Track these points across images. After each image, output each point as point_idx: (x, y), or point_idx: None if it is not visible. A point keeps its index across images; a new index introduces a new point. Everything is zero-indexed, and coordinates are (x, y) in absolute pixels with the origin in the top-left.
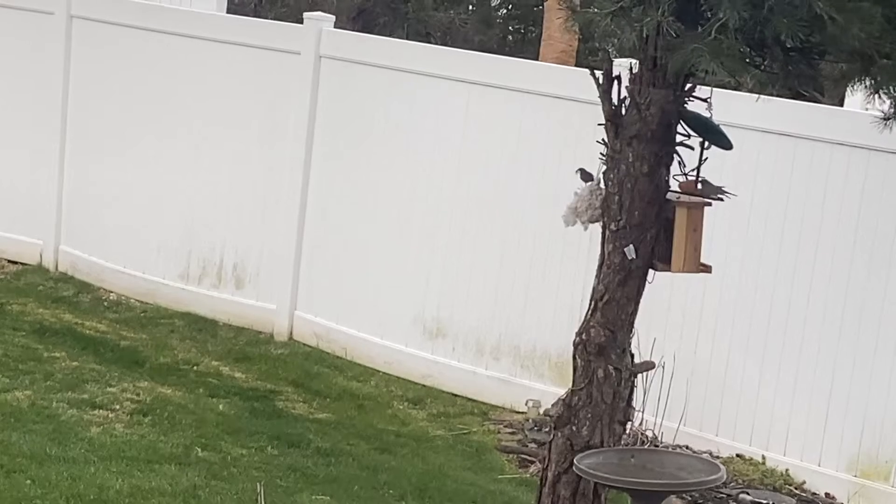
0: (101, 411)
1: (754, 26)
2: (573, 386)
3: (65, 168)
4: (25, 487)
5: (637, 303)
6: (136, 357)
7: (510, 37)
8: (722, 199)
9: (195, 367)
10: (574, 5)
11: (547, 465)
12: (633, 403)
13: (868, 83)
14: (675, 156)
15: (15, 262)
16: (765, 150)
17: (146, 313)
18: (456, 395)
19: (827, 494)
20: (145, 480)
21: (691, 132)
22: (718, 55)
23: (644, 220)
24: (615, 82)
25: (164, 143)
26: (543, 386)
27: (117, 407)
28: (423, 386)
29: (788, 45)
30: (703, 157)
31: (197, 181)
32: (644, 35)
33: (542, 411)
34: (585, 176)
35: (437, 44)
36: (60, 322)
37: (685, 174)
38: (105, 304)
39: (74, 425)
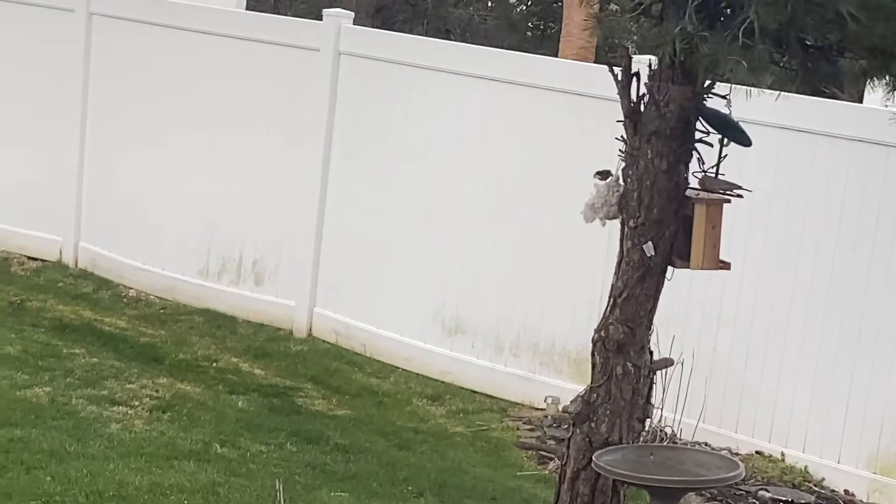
0: (120, 408)
1: (778, 25)
2: (592, 383)
3: (84, 165)
4: (45, 484)
5: (656, 300)
6: (155, 353)
7: (529, 33)
8: (741, 196)
9: (214, 364)
10: (597, 14)
11: (566, 462)
12: (652, 400)
13: (888, 80)
14: (694, 153)
15: (35, 259)
16: (784, 147)
17: (165, 310)
18: (475, 392)
19: (846, 491)
20: (164, 477)
21: (710, 129)
22: (742, 55)
23: (663, 217)
24: (634, 79)
25: (184, 138)
26: (562, 382)
27: (137, 403)
28: (442, 382)
29: (808, 43)
30: (723, 154)
31: (216, 177)
32: (674, 47)
33: (561, 408)
34: (604, 176)
35: (456, 40)
36: (80, 318)
37: (704, 171)
38: (125, 300)
39: (94, 422)
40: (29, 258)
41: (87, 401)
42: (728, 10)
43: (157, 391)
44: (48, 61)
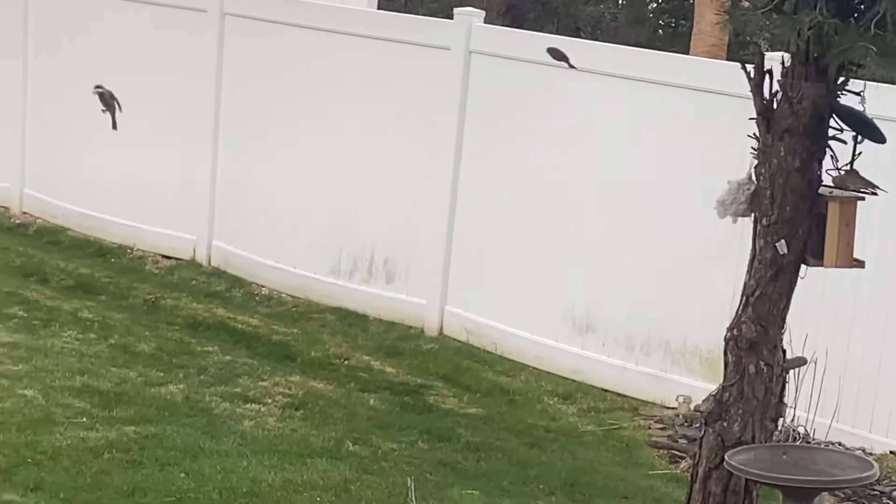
0: (253, 405)
1: None
2: (724, 382)
3: (217, 164)
4: (179, 480)
5: (789, 298)
6: (287, 351)
7: (661, 31)
8: (875, 194)
9: (346, 362)
10: (729, 7)
11: (698, 461)
12: (785, 400)
13: None
14: (827, 150)
15: (169, 258)
16: None
17: (297, 308)
18: (606, 391)
19: None
20: (297, 474)
21: (844, 126)
22: (873, 42)
23: (796, 215)
24: (767, 76)
25: (315, 138)
26: (694, 381)
27: (269, 401)
28: (573, 381)
29: None
30: (857, 152)
31: (347, 176)
32: (806, 37)
33: (692, 407)
34: (557, 54)
35: (586, 39)
36: (213, 316)
37: (838, 168)
38: (257, 298)
39: (227, 419)
40: (163, 256)
41: (220, 398)
42: (861, 6)
43: (289, 389)
44: (182, 62)
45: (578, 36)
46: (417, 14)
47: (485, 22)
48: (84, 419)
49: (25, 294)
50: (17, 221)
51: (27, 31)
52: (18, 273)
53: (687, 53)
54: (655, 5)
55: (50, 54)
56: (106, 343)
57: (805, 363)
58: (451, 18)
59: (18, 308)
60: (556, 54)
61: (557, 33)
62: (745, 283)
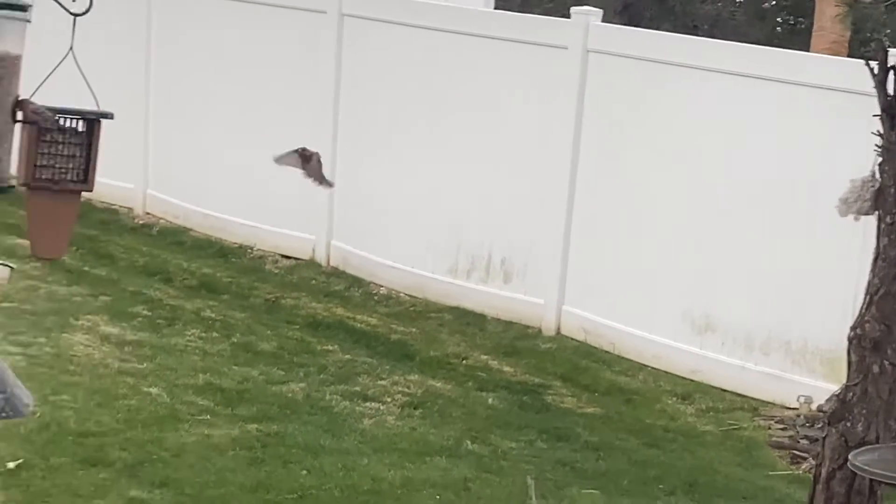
0: (372, 404)
1: None
2: (847, 381)
3: (336, 164)
4: (301, 478)
5: None
6: (406, 350)
7: (779, 28)
8: None
9: (464, 361)
10: (850, 1)
11: (821, 462)
12: None
13: None
14: None
15: (288, 257)
16: None
17: (415, 307)
18: (724, 391)
19: None
20: (417, 472)
21: None
22: None
23: None
24: (890, 72)
25: (433, 139)
26: (814, 382)
27: (388, 399)
28: (692, 381)
29: None
30: None
31: (464, 176)
32: None
33: (813, 407)
34: (298, 159)
35: (704, 37)
36: (333, 316)
37: None
38: (375, 298)
39: (347, 417)
40: (282, 256)
41: (340, 396)
42: None
43: (408, 388)
44: (301, 62)
45: (695, 34)
46: (533, 13)
47: (601, 21)
48: (208, 417)
49: (150, 293)
50: (141, 222)
51: (150, 37)
52: (143, 273)
53: (806, 50)
54: (774, 2)
55: (171, 55)
56: (228, 342)
57: None
58: (568, 17)
59: (143, 307)
60: (304, 158)
61: (674, 31)
62: (868, 282)
